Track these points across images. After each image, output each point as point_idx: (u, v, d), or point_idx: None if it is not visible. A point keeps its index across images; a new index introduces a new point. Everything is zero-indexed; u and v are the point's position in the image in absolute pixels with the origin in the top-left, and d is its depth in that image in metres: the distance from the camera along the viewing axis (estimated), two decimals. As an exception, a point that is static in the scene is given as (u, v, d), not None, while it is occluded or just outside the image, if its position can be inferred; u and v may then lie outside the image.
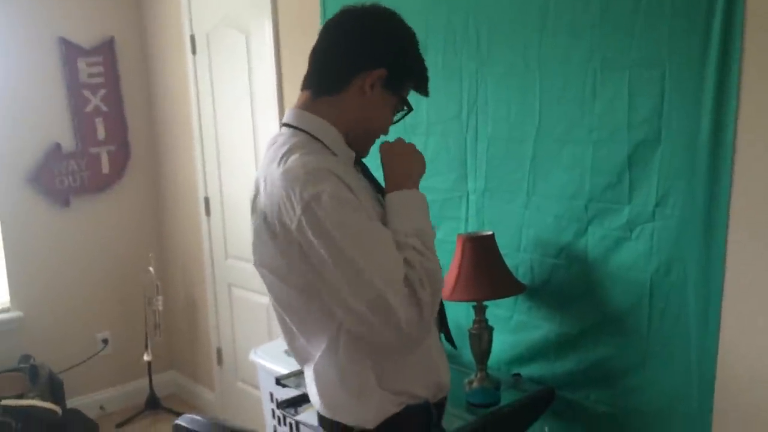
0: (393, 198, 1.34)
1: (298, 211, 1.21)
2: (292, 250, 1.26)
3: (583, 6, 1.81)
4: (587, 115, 1.85)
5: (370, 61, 1.34)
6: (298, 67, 2.83)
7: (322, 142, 1.33)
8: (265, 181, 1.29)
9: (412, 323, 1.23)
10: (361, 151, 1.43)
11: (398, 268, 1.23)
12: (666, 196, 1.72)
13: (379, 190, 1.40)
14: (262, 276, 1.37)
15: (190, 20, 3.49)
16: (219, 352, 3.72)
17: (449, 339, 1.56)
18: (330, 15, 1.42)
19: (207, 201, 3.60)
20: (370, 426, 1.34)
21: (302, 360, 1.43)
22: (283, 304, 1.37)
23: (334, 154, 1.33)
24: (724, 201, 1.61)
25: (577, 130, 1.87)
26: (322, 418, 1.42)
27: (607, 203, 1.84)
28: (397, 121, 1.46)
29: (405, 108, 1.43)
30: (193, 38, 3.49)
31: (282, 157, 1.27)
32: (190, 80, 3.56)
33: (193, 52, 3.50)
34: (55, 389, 3.39)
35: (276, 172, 1.26)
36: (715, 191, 1.62)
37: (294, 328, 1.38)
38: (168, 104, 3.84)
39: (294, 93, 2.85)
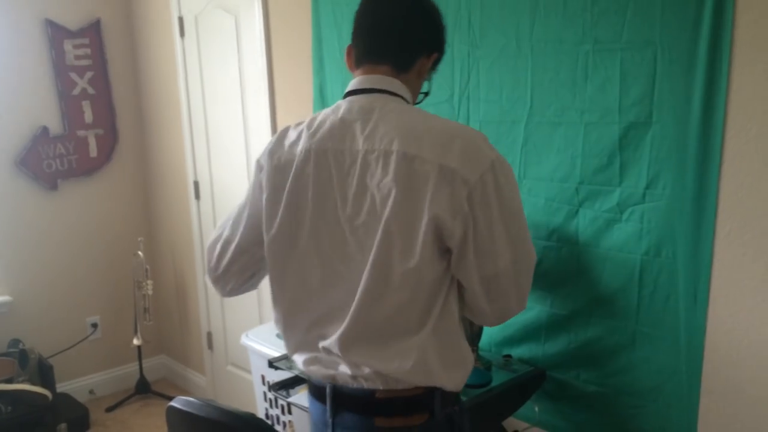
0: None
1: (486, 164, 1.25)
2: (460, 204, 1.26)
3: (575, -12, 1.81)
4: (579, 98, 1.85)
5: (433, 45, 1.39)
6: (289, 48, 2.82)
7: None
8: (431, 138, 1.25)
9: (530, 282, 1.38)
10: None
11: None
12: (656, 177, 1.73)
13: None
14: None
15: (179, 1, 3.45)
16: (209, 336, 3.72)
17: None
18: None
19: (196, 185, 3.59)
20: (460, 389, 1.42)
21: (378, 336, 1.33)
22: (409, 276, 1.27)
23: None
24: (713, 183, 1.62)
25: (569, 112, 1.88)
26: (404, 400, 1.35)
27: (598, 185, 1.85)
28: (416, 104, 1.48)
29: (427, 91, 1.48)
30: (181, 20, 3.46)
31: (429, 117, 1.31)
32: (179, 63, 3.53)
33: (182, 34, 3.47)
34: (44, 373, 3.39)
35: (461, 129, 1.30)
36: (706, 173, 1.63)
37: (394, 304, 1.29)
38: (156, 87, 3.81)
39: (284, 75, 2.85)
